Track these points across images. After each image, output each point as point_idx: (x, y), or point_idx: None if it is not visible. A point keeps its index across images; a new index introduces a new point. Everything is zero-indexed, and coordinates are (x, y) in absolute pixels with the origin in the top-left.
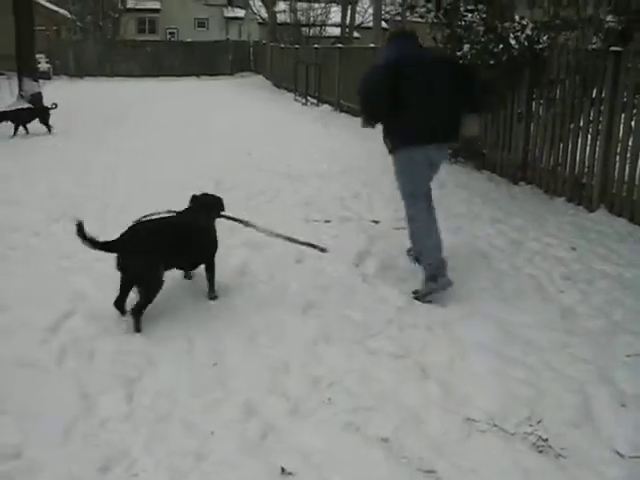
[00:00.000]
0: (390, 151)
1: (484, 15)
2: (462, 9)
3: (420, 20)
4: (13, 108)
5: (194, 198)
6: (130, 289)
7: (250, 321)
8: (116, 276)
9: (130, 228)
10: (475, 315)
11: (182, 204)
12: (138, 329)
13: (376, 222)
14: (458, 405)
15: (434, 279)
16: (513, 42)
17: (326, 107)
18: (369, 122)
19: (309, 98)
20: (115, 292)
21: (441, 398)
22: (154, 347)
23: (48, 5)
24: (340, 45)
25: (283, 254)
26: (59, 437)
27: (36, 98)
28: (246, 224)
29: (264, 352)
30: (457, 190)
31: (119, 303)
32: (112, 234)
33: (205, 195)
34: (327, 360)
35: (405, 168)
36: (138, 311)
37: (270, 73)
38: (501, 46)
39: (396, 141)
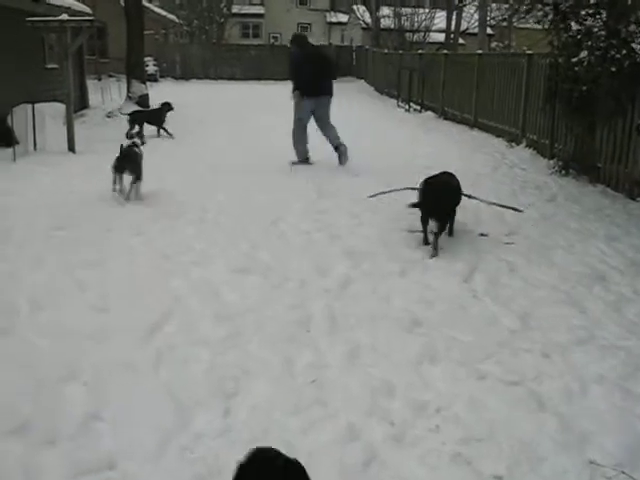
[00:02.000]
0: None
1: (605, 19)
2: (582, 12)
3: (528, 26)
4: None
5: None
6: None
7: (352, 336)
8: (212, 281)
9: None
10: (593, 342)
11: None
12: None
13: (484, 235)
14: (578, 443)
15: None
16: (638, 47)
17: (429, 114)
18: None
19: (412, 104)
20: (210, 298)
21: (559, 433)
22: (251, 359)
23: (158, 10)
24: (445, 51)
25: (386, 265)
26: (154, 450)
27: (143, 100)
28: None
29: (366, 370)
30: (568, 204)
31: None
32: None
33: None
34: (433, 383)
35: (301, 109)
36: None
37: (372, 79)
38: (624, 52)
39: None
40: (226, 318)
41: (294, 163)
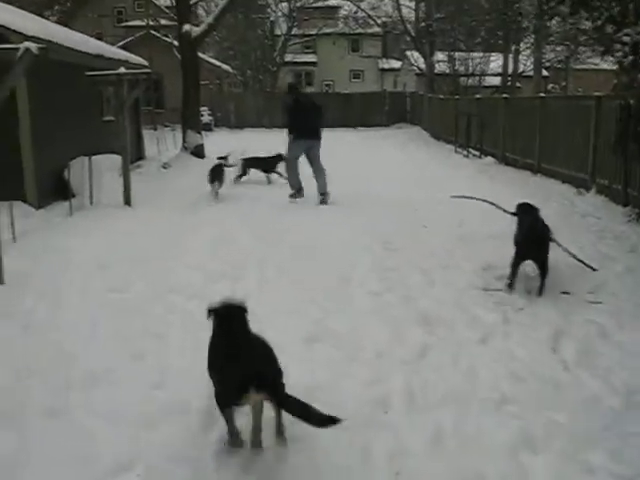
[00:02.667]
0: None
1: None
2: None
3: (583, 67)
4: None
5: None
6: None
7: (435, 417)
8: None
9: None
10: None
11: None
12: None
13: (567, 293)
14: None
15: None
16: None
17: (489, 159)
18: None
19: (471, 150)
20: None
21: None
22: (323, 451)
23: (212, 61)
24: (505, 95)
25: (464, 331)
26: None
27: (199, 150)
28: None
29: (453, 458)
30: None
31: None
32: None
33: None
34: (534, 476)
35: (293, 148)
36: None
37: (428, 124)
38: None
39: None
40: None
41: (291, 195)
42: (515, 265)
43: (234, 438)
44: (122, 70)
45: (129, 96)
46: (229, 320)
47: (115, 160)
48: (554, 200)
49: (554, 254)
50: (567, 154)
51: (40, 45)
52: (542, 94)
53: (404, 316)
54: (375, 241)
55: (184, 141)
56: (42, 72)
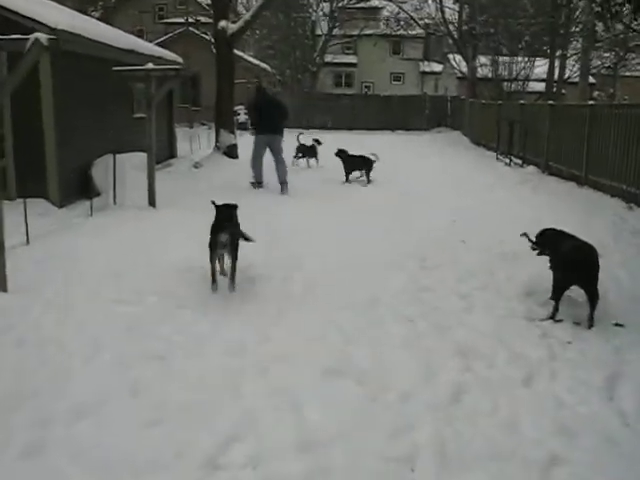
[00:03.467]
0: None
1: None
2: None
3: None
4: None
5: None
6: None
7: (469, 479)
8: (293, 388)
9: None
10: None
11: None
12: None
13: (620, 325)
14: None
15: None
16: None
17: (532, 168)
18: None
19: (513, 158)
20: (290, 415)
21: None
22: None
23: (250, 59)
24: (551, 101)
25: (505, 368)
26: None
27: (231, 150)
28: None
29: None
30: None
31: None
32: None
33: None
34: None
35: (257, 143)
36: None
37: (468, 130)
38: None
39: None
40: (307, 447)
41: (252, 183)
42: (559, 292)
43: (213, 285)
44: (150, 66)
45: (157, 93)
46: (223, 211)
47: (144, 158)
48: (602, 215)
49: (601, 277)
50: (618, 166)
51: (50, 36)
52: (591, 102)
53: (438, 348)
54: (409, 256)
55: (217, 140)
56: (69, 66)
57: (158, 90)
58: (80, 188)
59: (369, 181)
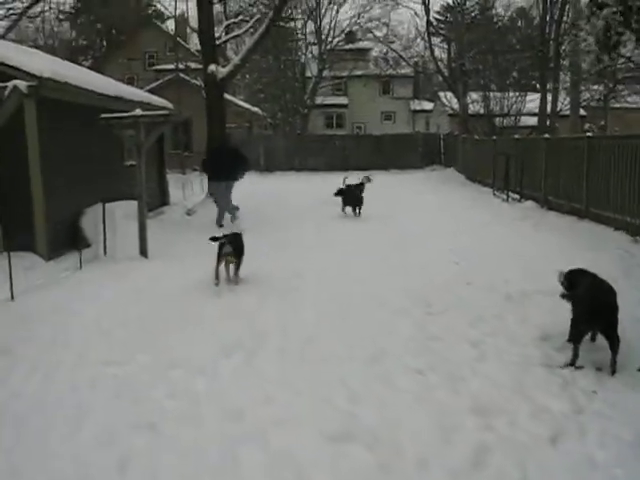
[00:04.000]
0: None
1: None
2: None
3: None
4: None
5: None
6: None
7: None
8: (296, 457)
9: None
10: None
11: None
12: None
13: None
14: None
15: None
16: None
17: (530, 203)
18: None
19: (510, 194)
20: None
21: None
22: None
23: (241, 103)
24: (547, 135)
25: (528, 425)
26: None
27: None
28: None
29: None
30: None
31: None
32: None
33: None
34: None
35: (211, 188)
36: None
37: (462, 166)
38: None
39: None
40: None
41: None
42: (578, 338)
43: (216, 280)
44: (138, 112)
45: (147, 139)
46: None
47: (135, 206)
48: (608, 249)
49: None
50: (620, 198)
51: (30, 83)
52: (588, 134)
53: (452, 403)
54: (413, 301)
55: (209, 186)
56: (56, 114)
57: (147, 136)
58: (69, 239)
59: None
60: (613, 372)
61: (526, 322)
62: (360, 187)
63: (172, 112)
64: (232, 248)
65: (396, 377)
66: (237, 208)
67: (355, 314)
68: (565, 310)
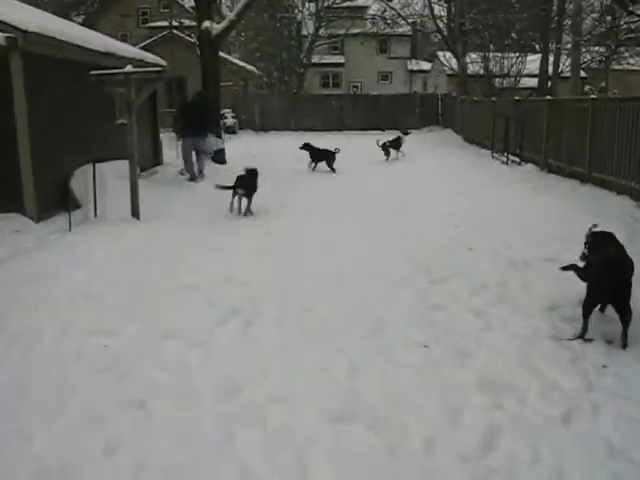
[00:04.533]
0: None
1: None
2: None
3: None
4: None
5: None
6: None
7: None
8: (295, 437)
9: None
10: None
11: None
12: None
13: None
14: None
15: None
16: None
17: (530, 166)
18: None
19: (509, 156)
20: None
21: None
22: None
23: (236, 62)
24: (549, 96)
25: (539, 404)
26: None
27: (219, 155)
28: None
29: None
30: None
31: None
32: None
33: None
34: None
35: (185, 145)
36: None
37: (460, 128)
38: None
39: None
40: None
41: (185, 178)
42: (588, 310)
43: (233, 211)
44: (129, 68)
45: (138, 97)
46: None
47: (127, 166)
48: (612, 215)
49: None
50: (624, 163)
51: (8, 34)
52: (593, 95)
53: (459, 379)
54: (414, 268)
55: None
56: (44, 71)
57: (139, 94)
58: (59, 200)
59: (333, 170)
60: (624, 346)
61: (531, 291)
62: (398, 141)
63: (165, 69)
64: (244, 190)
65: (398, 352)
66: (201, 172)
67: (352, 282)
68: (569, 279)
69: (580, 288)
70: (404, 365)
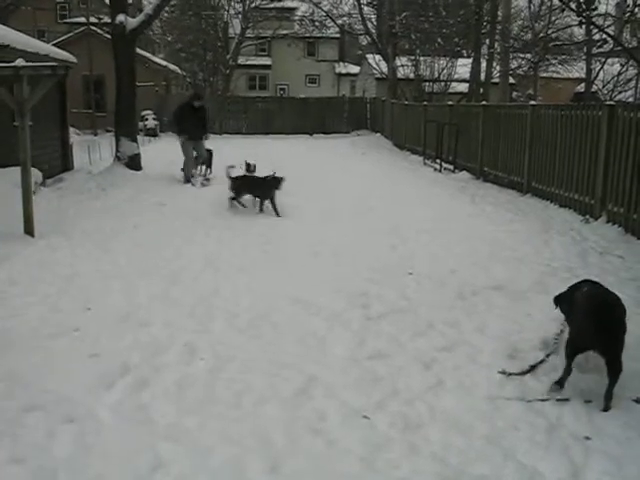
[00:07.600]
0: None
1: None
2: None
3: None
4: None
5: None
6: None
7: None
8: None
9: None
10: None
11: None
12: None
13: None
14: None
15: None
16: None
17: (464, 174)
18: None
19: (443, 163)
20: None
21: None
22: None
23: (158, 61)
24: (484, 102)
25: None
26: None
27: (134, 160)
28: None
29: None
30: None
31: None
32: None
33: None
34: None
35: (185, 147)
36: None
37: (390, 132)
38: None
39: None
40: None
41: (183, 181)
42: (570, 358)
43: (242, 207)
44: (20, 62)
45: (30, 97)
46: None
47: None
48: (559, 230)
49: None
50: (567, 174)
51: None
52: (532, 102)
53: (412, 469)
54: (348, 301)
55: (117, 150)
56: None
57: (32, 93)
58: None
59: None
60: (607, 408)
61: (485, 329)
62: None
63: (65, 64)
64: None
65: (332, 426)
66: (192, 175)
67: (275, 325)
68: (524, 315)
69: (537, 323)
70: (340, 450)
